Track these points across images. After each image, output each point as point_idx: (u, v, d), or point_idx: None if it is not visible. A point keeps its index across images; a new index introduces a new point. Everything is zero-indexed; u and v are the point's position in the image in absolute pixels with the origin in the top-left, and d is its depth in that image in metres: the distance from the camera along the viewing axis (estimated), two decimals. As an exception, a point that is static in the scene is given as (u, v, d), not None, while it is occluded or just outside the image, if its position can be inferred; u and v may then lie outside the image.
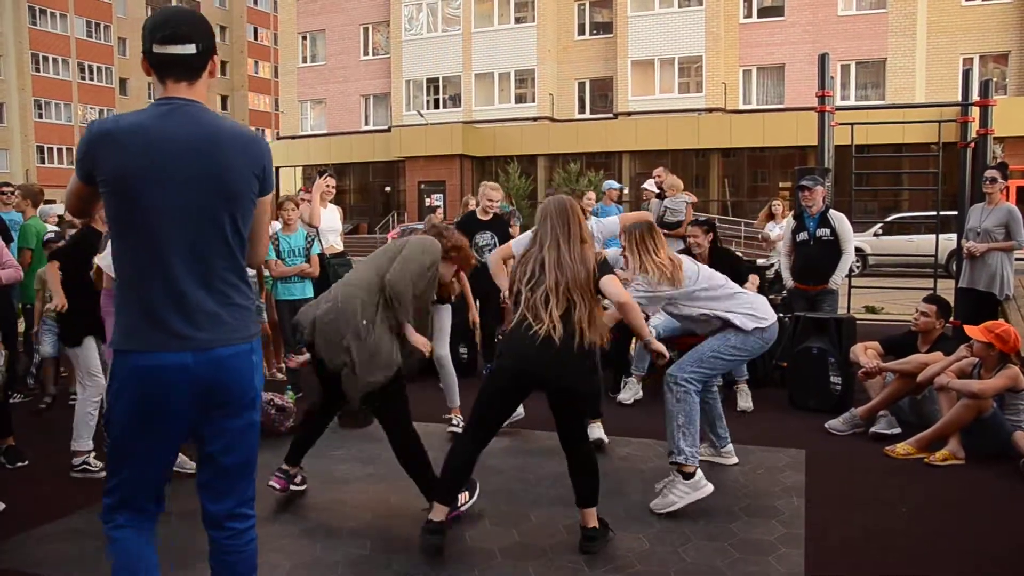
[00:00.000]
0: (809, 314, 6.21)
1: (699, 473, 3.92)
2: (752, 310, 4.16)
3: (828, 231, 6.42)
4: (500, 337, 3.98)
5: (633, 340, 6.28)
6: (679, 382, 4.06)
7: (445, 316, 5.23)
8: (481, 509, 3.96)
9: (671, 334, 5.54)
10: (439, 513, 3.48)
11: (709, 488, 3.89)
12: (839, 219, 6.45)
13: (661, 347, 3.84)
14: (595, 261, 3.47)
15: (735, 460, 4.63)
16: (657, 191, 8.70)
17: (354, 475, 4.55)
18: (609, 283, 3.46)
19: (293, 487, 4.19)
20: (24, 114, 43.13)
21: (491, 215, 6.61)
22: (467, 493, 3.90)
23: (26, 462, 4.72)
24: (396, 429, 3.85)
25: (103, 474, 4.47)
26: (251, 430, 2.36)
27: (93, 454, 4.61)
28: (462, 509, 3.82)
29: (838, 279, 6.48)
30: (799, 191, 6.57)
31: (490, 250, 6.34)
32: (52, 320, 5.53)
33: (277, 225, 6.28)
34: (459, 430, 5.08)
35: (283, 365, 6.93)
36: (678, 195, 8.52)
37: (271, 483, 4.07)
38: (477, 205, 6.81)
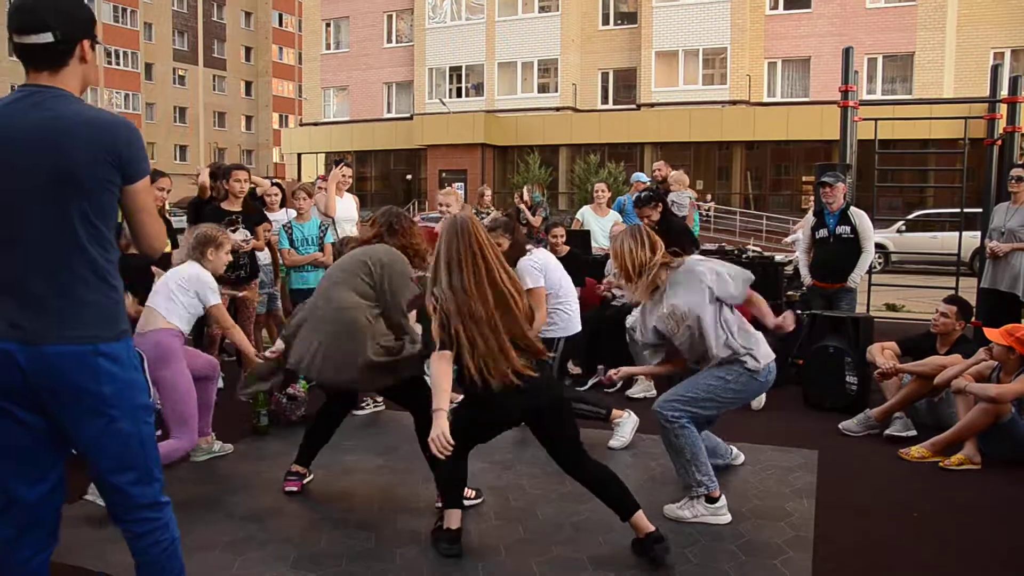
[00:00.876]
0: (826, 312, 6.14)
1: (723, 499, 3.75)
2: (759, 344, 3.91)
3: (848, 228, 6.35)
4: None
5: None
6: (670, 420, 3.76)
7: None
8: (488, 505, 3.95)
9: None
10: (454, 520, 3.42)
11: (727, 518, 3.72)
12: (860, 216, 6.37)
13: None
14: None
15: (742, 459, 4.59)
16: (647, 185, 8.61)
17: (364, 466, 4.55)
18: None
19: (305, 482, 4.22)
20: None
21: None
22: (473, 491, 3.90)
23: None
24: (423, 419, 3.78)
25: None
26: (115, 437, 2.23)
27: None
28: (465, 504, 3.80)
29: (857, 277, 6.41)
30: (819, 187, 6.50)
31: None
32: None
33: (291, 213, 6.29)
34: None
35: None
36: (683, 191, 8.46)
37: (287, 488, 4.11)
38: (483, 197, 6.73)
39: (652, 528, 3.30)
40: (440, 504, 3.59)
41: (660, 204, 6.27)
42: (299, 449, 4.20)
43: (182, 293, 4.24)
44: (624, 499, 3.34)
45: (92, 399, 2.17)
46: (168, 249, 5.94)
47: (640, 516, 3.31)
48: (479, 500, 3.96)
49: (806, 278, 6.69)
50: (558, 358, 4.93)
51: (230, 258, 4.57)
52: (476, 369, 3.16)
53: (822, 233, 6.50)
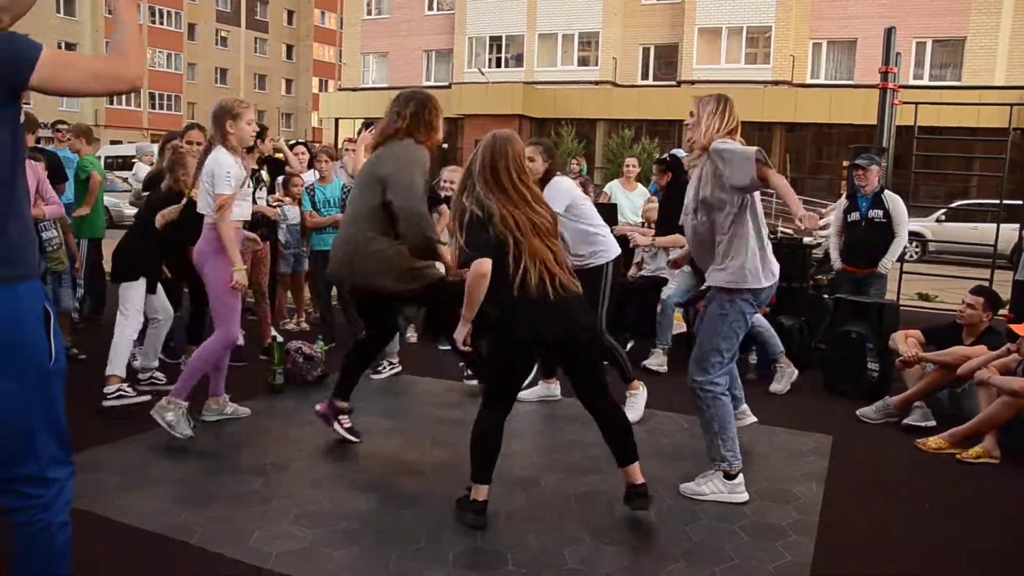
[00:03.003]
0: (850, 297, 6.03)
1: (741, 477, 3.71)
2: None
3: (881, 212, 6.23)
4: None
5: (659, 310, 6.19)
6: (704, 388, 3.72)
7: None
8: (495, 472, 3.94)
9: (684, 299, 5.46)
10: (482, 492, 3.39)
11: (744, 497, 3.68)
12: (894, 201, 6.23)
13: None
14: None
15: (752, 419, 4.52)
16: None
17: (372, 428, 4.56)
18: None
19: (340, 429, 4.25)
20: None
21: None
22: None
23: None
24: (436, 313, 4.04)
25: (137, 400, 4.67)
26: None
27: (128, 383, 4.74)
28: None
29: (888, 263, 6.28)
30: (852, 170, 6.36)
31: None
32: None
33: (316, 176, 6.28)
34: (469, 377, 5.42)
35: (315, 315, 7.02)
36: None
37: (317, 407, 4.30)
38: None
39: (642, 481, 3.40)
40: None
41: (669, 172, 6.29)
42: (336, 383, 4.33)
43: (207, 183, 4.22)
44: (628, 446, 3.43)
45: None
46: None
47: (635, 467, 3.41)
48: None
49: (836, 261, 6.57)
50: (609, 282, 4.83)
51: (253, 130, 4.44)
52: (521, 271, 3.19)
53: (854, 216, 6.38)
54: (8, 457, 2.06)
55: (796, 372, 5.75)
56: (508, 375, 3.43)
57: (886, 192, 6.30)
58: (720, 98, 3.74)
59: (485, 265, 3.22)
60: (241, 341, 5.12)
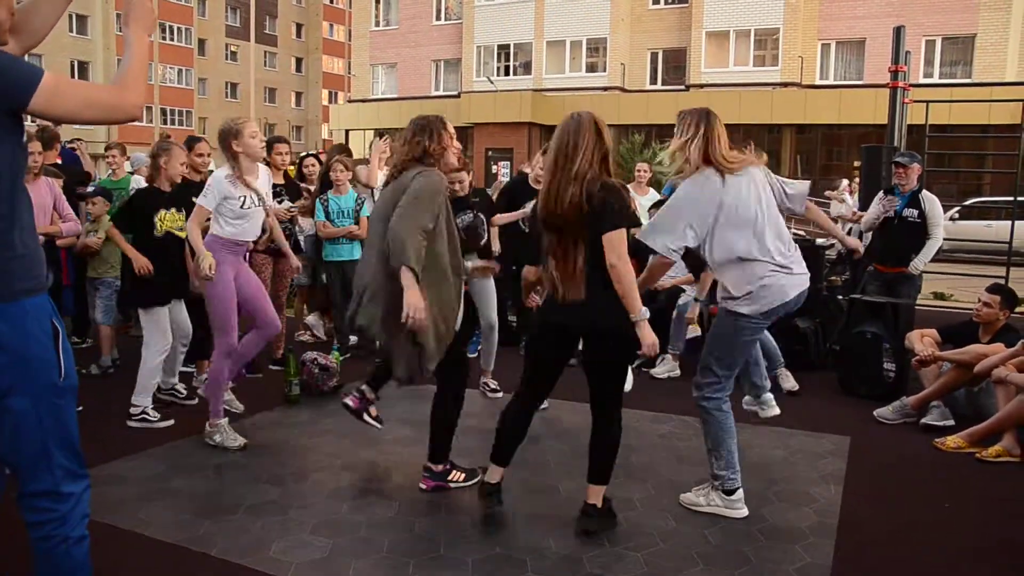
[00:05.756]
0: (865, 297, 6.00)
1: (740, 493, 3.62)
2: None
3: (916, 212, 6.09)
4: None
5: (674, 315, 6.18)
6: (701, 403, 3.65)
7: (489, 285, 5.29)
8: (511, 478, 3.94)
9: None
10: (494, 475, 3.47)
11: (743, 512, 3.58)
12: (931, 201, 6.11)
13: (651, 339, 3.24)
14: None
15: (776, 411, 4.25)
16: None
17: (391, 436, 4.58)
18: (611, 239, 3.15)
19: (368, 419, 4.25)
20: (108, 73, 44.29)
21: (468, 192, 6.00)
22: (463, 474, 3.87)
23: (80, 408, 4.89)
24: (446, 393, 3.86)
25: (161, 424, 4.69)
26: (5, 417, 2.00)
27: (152, 406, 4.76)
28: (451, 486, 3.82)
29: (920, 264, 6.11)
30: (893, 167, 6.22)
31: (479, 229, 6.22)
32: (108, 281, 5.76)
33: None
34: (493, 391, 5.46)
35: (329, 325, 7.04)
36: None
37: (345, 400, 4.24)
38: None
39: (595, 503, 3.35)
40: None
41: None
42: (371, 376, 4.28)
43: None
44: (604, 466, 3.37)
45: None
46: None
47: (599, 490, 3.36)
48: (465, 484, 3.85)
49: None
50: None
51: (260, 141, 4.49)
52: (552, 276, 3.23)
53: (888, 213, 6.22)
54: (23, 473, 2.08)
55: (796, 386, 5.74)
56: (533, 362, 3.47)
57: (924, 192, 6.16)
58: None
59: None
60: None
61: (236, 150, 4.34)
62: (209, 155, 5.85)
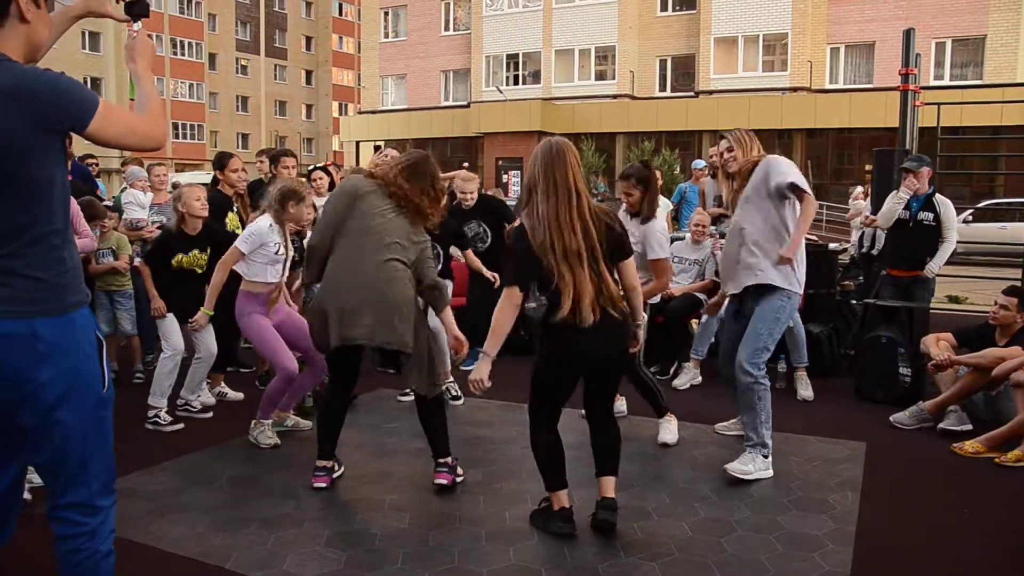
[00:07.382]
0: (879, 301, 5.96)
1: (770, 457, 4.13)
2: None
3: (931, 216, 6.04)
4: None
5: (696, 321, 6.14)
6: (760, 382, 4.11)
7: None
8: (525, 488, 3.94)
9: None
10: (563, 499, 3.47)
11: (771, 472, 4.10)
12: (945, 204, 6.07)
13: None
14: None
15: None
16: (711, 172, 8.38)
17: (403, 448, 4.58)
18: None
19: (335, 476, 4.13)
20: (121, 88, 44.76)
21: (474, 203, 6.29)
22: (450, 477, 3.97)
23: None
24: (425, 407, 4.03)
25: (171, 428, 4.87)
26: (54, 429, 2.00)
27: (164, 410, 4.93)
28: (460, 477, 4.04)
29: (935, 267, 6.06)
30: (902, 173, 6.19)
31: (482, 240, 6.30)
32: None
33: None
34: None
35: None
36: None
37: (315, 485, 3.93)
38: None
39: (612, 496, 3.44)
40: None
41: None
42: (318, 444, 4.03)
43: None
44: (610, 460, 3.50)
45: (31, 386, 1.95)
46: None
47: (610, 481, 3.47)
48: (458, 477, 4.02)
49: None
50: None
51: (312, 211, 4.72)
52: (570, 302, 3.16)
53: (903, 215, 6.15)
54: (60, 485, 2.08)
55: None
56: (545, 391, 3.47)
57: (938, 195, 6.12)
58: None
59: (512, 297, 3.26)
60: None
61: (289, 210, 4.60)
62: (244, 169, 6.06)
